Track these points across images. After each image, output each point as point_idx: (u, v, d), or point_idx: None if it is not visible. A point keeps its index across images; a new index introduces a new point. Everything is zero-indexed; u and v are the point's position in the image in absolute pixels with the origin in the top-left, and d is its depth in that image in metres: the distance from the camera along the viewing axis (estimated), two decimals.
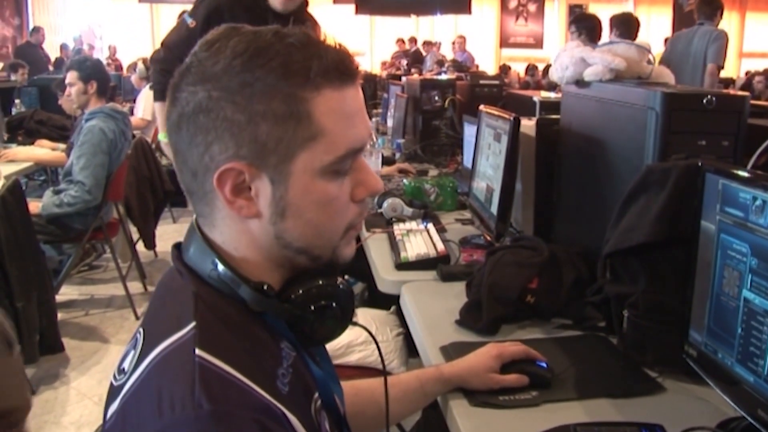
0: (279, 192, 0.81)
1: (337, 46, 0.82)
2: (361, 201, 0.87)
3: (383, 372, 1.06)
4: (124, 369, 0.79)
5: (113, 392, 0.79)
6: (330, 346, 2.07)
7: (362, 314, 2.31)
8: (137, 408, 0.73)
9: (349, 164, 0.84)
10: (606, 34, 6.03)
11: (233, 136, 0.78)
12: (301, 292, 0.85)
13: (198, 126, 0.79)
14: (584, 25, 5.92)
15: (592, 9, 13.91)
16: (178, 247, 0.89)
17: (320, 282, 0.86)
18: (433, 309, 1.64)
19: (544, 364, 1.28)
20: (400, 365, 2.11)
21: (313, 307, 0.85)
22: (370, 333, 1.02)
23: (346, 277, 2.77)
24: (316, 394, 0.85)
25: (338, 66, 0.80)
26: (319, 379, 0.89)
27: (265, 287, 0.82)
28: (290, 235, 0.83)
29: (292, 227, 0.83)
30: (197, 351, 0.73)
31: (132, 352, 0.80)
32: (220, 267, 0.83)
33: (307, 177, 0.81)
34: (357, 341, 2.07)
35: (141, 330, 0.82)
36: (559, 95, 2.33)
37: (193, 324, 0.76)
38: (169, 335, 0.76)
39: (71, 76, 3.86)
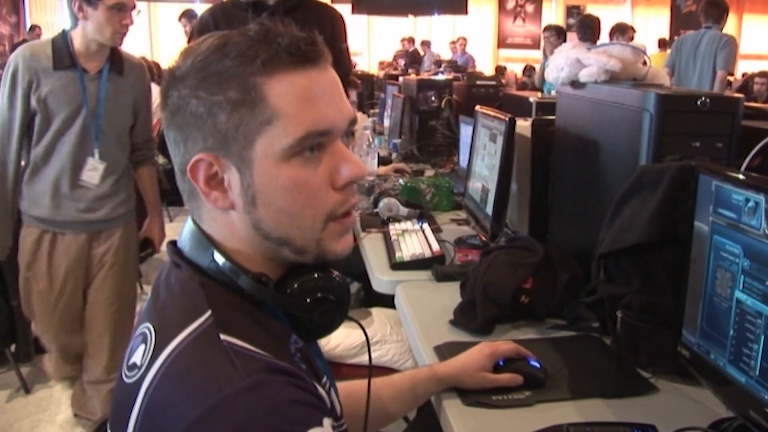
0: (246, 180, 0.82)
1: (294, 34, 0.82)
2: (343, 188, 0.86)
3: (369, 372, 1.07)
4: (135, 364, 0.79)
5: (127, 389, 0.78)
6: (344, 345, 2.09)
7: (377, 314, 2.31)
8: (169, 398, 0.73)
9: (317, 147, 0.83)
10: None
11: (200, 130, 0.82)
12: (296, 285, 0.86)
13: (176, 126, 0.84)
14: (556, 31, 6.23)
15: (590, 10, 13.92)
16: (174, 244, 0.90)
17: (316, 275, 0.87)
18: (428, 309, 1.64)
19: (538, 364, 1.28)
20: (414, 365, 2.11)
21: (309, 300, 0.86)
22: (364, 331, 1.03)
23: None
24: (324, 378, 0.88)
25: (290, 49, 0.81)
26: (324, 370, 0.90)
27: (263, 278, 0.83)
28: (266, 225, 0.83)
29: (266, 216, 0.83)
30: (222, 336, 0.75)
31: (142, 347, 0.80)
32: (219, 259, 0.84)
33: (270, 162, 0.81)
34: (371, 340, 2.07)
35: (149, 325, 0.82)
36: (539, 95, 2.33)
37: (209, 312, 0.78)
38: (185, 325, 0.77)
39: None
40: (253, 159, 0.81)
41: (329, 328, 0.89)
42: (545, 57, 7.22)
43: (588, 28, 6.23)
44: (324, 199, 0.84)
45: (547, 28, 7.38)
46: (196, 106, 0.81)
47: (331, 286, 0.88)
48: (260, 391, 0.70)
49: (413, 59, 11.31)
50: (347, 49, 3.01)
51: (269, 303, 0.84)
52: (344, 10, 13.12)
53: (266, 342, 0.78)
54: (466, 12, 11.77)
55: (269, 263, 0.87)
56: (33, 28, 11.45)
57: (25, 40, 11.30)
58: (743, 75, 10.96)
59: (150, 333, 0.81)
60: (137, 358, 0.80)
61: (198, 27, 2.92)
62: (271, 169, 0.81)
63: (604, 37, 6.89)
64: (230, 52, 0.80)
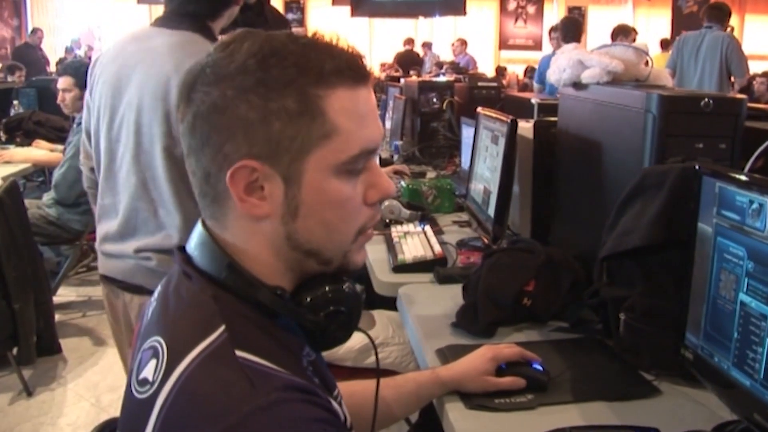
0: (292, 191, 0.80)
1: (349, 48, 0.83)
2: (374, 204, 0.87)
3: (377, 374, 1.06)
4: (147, 380, 0.77)
5: (139, 405, 0.77)
6: (346, 348, 2.09)
7: (379, 316, 2.30)
8: (185, 417, 0.72)
9: (362, 165, 0.84)
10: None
11: (246, 135, 0.78)
12: (309, 299, 0.85)
13: (212, 126, 0.80)
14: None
15: (591, 11, 13.93)
16: (182, 250, 0.88)
17: (328, 288, 0.86)
18: (430, 311, 1.64)
19: (540, 367, 1.28)
20: (416, 368, 2.10)
21: (324, 313, 0.85)
22: (370, 338, 1.02)
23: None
24: (336, 390, 0.88)
25: (351, 66, 0.81)
26: (333, 382, 0.90)
27: (279, 291, 0.82)
28: (301, 236, 0.83)
29: (304, 228, 0.82)
30: (237, 352, 0.74)
31: (153, 362, 0.78)
32: (234, 270, 0.82)
33: (321, 176, 0.80)
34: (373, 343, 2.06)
35: (159, 340, 0.80)
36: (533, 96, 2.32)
37: (223, 327, 0.76)
38: (199, 341, 0.76)
39: (66, 82, 3.83)
40: (303, 171, 0.80)
41: (342, 340, 0.89)
42: None
43: (569, 30, 6.25)
44: (358, 215, 0.85)
45: (555, 29, 7.35)
46: (246, 110, 0.78)
47: (344, 298, 0.87)
48: (278, 410, 0.70)
49: (411, 60, 11.29)
50: None
51: (284, 315, 0.83)
52: (346, 12, 13.03)
53: (281, 357, 0.77)
54: (464, 13, 11.77)
55: (288, 273, 0.85)
56: (35, 31, 11.50)
57: (27, 44, 11.34)
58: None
59: (161, 348, 0.79)
60: (148, 373, 0.78)
61: None
62: (321, 183, 0.80)
63: (605, 38, 6.91)
64: (287, 59, 0.78)
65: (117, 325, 1.94)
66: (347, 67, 0.80)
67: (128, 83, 1.76)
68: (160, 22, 1.83)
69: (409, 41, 12.54)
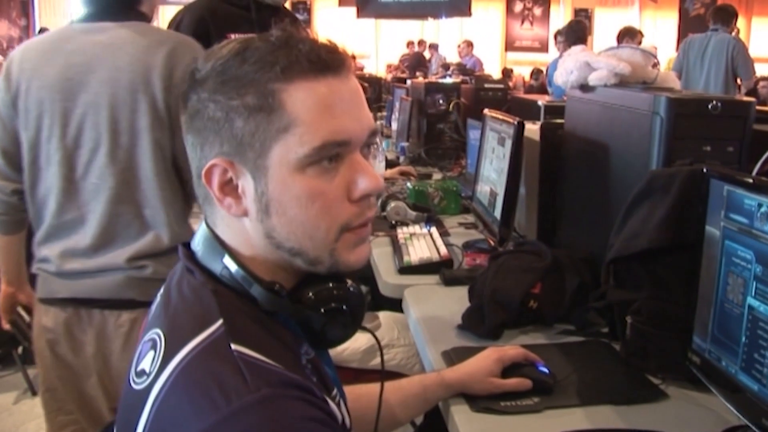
0: (260, 187, 0.81)
1: (318, 39, 0.82)
2: (359, 200, 0.84)
3: (381, 377, 1.05)
4: (144, 371, 0.78)
5: (135, 395, 0.78)
6: (351, 349, 2.08)
7: (384, 318, 2.30)
8: (177, 409, 0.72)
9: (334, 158, 0.81)
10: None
11: (217, 134, 0.81)
12: (311, 294, 0.84)
13: (194, 130, 0.83)
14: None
15: (597, 13, 13.91)
16: (186, 246, 0.89)
17: (330, 284, 0.86)
18: (436, 313, 1.63)
19: (546, 370, 1.27)
20: (421, 370, 2.10)
21: (323, 310, 0.85)
22: (376, 339, 1.02)
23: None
24: (335, 391, 0.86)
25: (310, 57, 0.79)
26: (333, 380, 0.89)
27: (277, 287, 0.82)
28: (278, 234, 0.82)
29: (278, 225, 0.82)
30: (233, 346, 0.74)
31: (151, 354, 0.79)
32: (232, 266, 0.83)
33: (285, 170, 0.80)
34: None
35: (159, 332, 0.81)
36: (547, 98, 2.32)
37: (220, 321, 0.77)
38: (196, 334, 0.76)
39: None
40: (268, 166, 0.80)
41: (342, 339, 0.88)
42: None
43: (571, 35, 6.25)
44: (339, 211, 0.83)
45: (561, 33, 7.34)
46: (213, 111, 0.80)
47: (346, 296, 0.86)
48: (269, 406, 0.69)
49: (418, 62, 11.30)
50: None
51: (282, 312, 0.83)
52: (352, 13, 13.02)
53: (278, 352, 0.77)
54: (469, 14, 11.78)
55: (282, 272, 0.85)
56: (42, 31, 11.54)
57: None
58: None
59: (160, 339, 0.80)
60: (146, 364, 0.79)
61: (192, 25, 2.53)
62: (285, 178, 0.80)
63: (612, 40, 6.91)
64: (250, 57, 0.79)
65: (77, 358, 1.70)
66: (307, 58, 0.79)
67: (84, 83, 1.62)
68: (96, 17, 1.68)
69: (421, 42, 12.54)
